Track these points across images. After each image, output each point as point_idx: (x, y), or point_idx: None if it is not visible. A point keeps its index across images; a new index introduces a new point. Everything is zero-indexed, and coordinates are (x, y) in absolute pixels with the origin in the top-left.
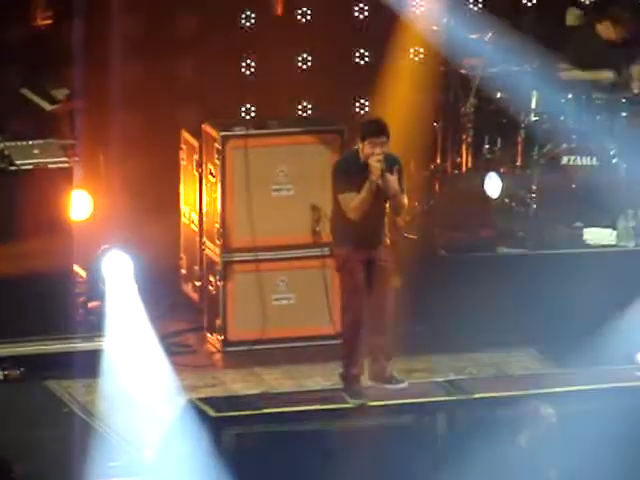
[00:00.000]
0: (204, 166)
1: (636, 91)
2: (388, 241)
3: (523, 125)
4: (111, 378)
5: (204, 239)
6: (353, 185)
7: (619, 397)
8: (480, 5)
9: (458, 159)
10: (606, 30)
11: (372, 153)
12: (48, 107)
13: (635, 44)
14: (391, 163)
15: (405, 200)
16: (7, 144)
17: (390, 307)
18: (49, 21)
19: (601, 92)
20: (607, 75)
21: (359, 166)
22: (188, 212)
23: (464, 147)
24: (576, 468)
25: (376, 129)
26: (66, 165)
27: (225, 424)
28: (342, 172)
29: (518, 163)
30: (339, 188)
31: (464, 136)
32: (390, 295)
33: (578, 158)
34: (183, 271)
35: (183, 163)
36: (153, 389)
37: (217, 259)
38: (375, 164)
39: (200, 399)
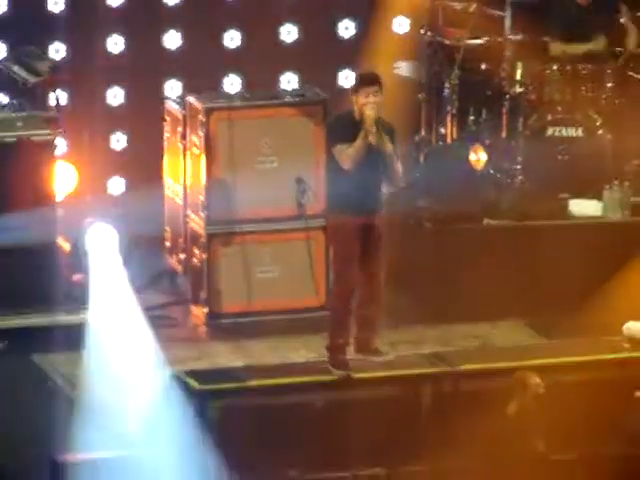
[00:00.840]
0: (188, 138)
1: (631, 46)
2: (383, 211)
3: (508, 96)
4: (95, 351)
5: (188, 211)
6: (348, 138)
7: (606, 369)
8: None
9: (442, 131)
10: None
11: (366, 102)
12: (32, 79)
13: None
14: (386, 129)
15: (400, 166)
16: None
17: (381, 278)
18: None
19: (586, 62)
20: (597, 46)
21: (354, 122)
22: (172, 184)
23: (449, 119)
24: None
25: (368, 78)
26: (50, 137)
27: (210, 397)
28: (337, 126)
29: (503, 134)
30: (334, 140)
31: (448, 107)
32: (382, 266)
33: (563, 129)
34: (167, 243)
35: (167, 135)
36: (137, 362)
37: (201, 231)
38: (369, 112)
39: (185, 372)
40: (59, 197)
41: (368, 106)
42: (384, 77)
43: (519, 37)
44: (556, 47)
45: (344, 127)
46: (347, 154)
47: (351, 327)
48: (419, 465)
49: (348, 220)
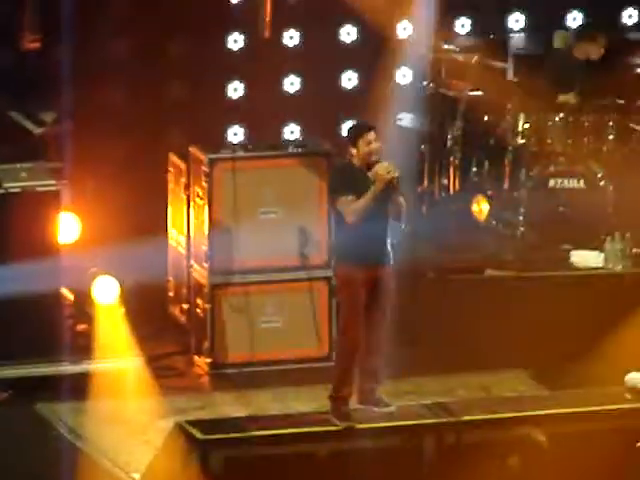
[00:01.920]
0: (191, 189)
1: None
2: (391, 264)
3: (510, 148)
4: (99, 401)
5: (191, 262)
6: (350, 189)
7: (608, 419)
8: (467, 28)
9: (445, 182)
10: (586, 49)
11: (369, 151)
12: (36, 130)
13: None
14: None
15: (403, 200)
16: None
17: (387, 329)
18: (37, 45)
19: (588, 115)
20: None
21: (354, 172)
22: (176, 234)
23: (451, 170)
24: None
25: (364, 126)
26: (54, 188)
27: (213, 447)
28: (338, 178)
29: (505, 186)
30: (337, 192)
31: (451, 159)
32: (387, 319)
33: (565, 181)
34: (171, 294)
35: (171, 186)
36: (141, 412)
37: (204, 282)
38: (380, 171)
39: (188, 422)
40: (63, 247)
41: (373, 154)
42: (386, 128)
43: (521, 89)
44: (557, 98)
45: (345, 178)
46: (353, 209)
47: (355, 377)
48: None
49: (356, 271)
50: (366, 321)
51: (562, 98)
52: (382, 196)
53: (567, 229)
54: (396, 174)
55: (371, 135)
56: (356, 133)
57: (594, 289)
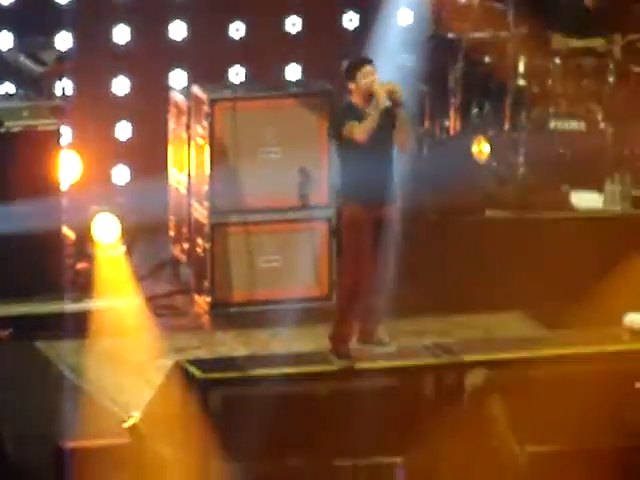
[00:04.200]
0: (192, 128)
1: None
2: (397, 202)
3: (511, 89)
4: (100, 339)
5: (192, 201)
6: (354, 120)
7: (607, 360)
8: None
9: (446, 123)
10: None
11: (368, 82)
12: (38, 69)
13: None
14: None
15: (406, 117)
16: None
17: (390, 270)
18: None
19: (588, 57)
20: (597, 42)
21: (356, 110)
22: (176, 174)
23: (452, 111)
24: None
25: (362, 60)
26: (55, 127)
27: (212, 386)
28: (342, 112)
29: (506, 127)
30: (342, 123)
31: (452, 100)
32: (391, 258)
33: (565, 122)
34: (171, 233)
35: (171, 125)
36: (141, 351)
37: (205, 221)
38: (378, 85)
39: (187, 361)
40: (64, 186)
41: (374, 82)
42: (387, 69)
43: (522, 30)
44: (557, 40)
45: (349, 113)
46: (361, 127)
47: (355, 317)
48: (420, 455)
49: (361, 211)
50: (369, 261)
51: (562, 41)
52: (385, 126)
53: (567, 170)
54: (397, 89)
55: (368, 68)
56: (353, 67)
57: (593, 230)
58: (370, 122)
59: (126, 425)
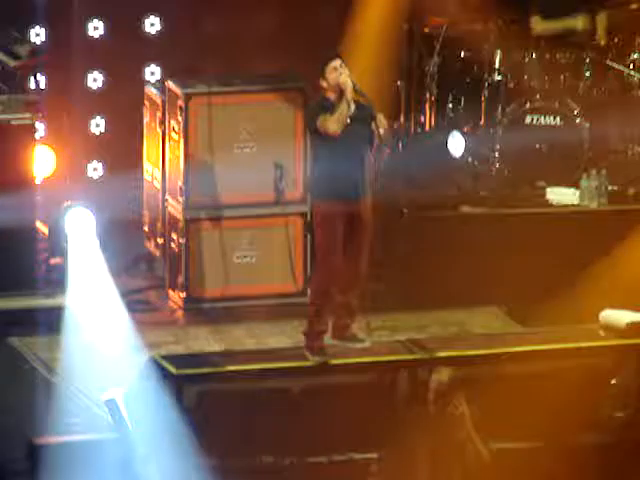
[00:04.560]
0: (167, 123)
1: (602, 42)
2: (369, 197)
3: (487, 84)
4: (73, 335)
5: (167, 196)
6: (327, 113)
7: (582, 356)
8: None
9: (422, 118)
10: None
11: (337, 76)
12: (11, 63)
13: None
14: (364, 109)
15: (382, 117)
16: None
17: (363, 265)
18: None
19: (565, 51)
20: (577, 23)
21: (329, 105)
22: (151, 169)
23: (427, 106)
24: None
25: (330, 56)
26: (29, 121)
27: (186, 381)
28: (315, 107)
29: (482, 122)
30: (315, 116)
31: (428, 95)
32: (365, 253)
33: (542, 118)
34: (145, 228)
35: (146, 120)
36: (115, 346)
37: (179, 216)
38: (344, 78)
39: (162, 356)
40: (38, 181)
41: (342, 75)
42: (364, 62)
43: (499, 23)
44: (537, 22)
45: (323, 106)
46: (332, 119)
47: (329, 313)
48: (394, 451)
49: (334, 206)
50: (343, 257)
51: (562, 23)
52: (358, 121)
53: (543, 166)
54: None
55: (337, 62)
56: (322, 62)
57: (569, 226)
58: (339, 114)
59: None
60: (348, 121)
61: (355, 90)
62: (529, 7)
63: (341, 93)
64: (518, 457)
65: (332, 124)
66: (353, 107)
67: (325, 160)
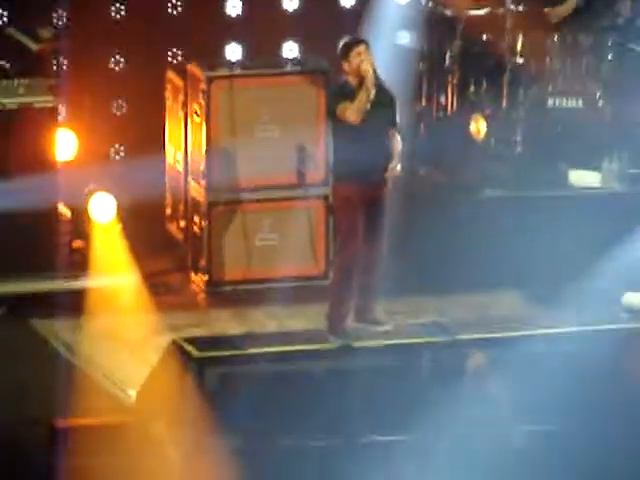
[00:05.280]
0: (189, 106)
1: (627, 14)
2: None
3: (509, 67)
4: (95, 318)
5: (189, 179)
6: (349, 99)
7: (603, 339)
8: None
9: (443, 101)
10: None
11: (360, 61)
12: (33, 46)
13: None
14: (386, 93)
15: (398, 138)
16: None
17: (383, 248)
18: None
19: (587, 35)
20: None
21: (351, 88)
22: (173, 152)
23: (449, 89)
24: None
25: (354, 40)
26: (51, 104)
27: (208, 364)
28: (336, 92)
29: (503, 105)
30: (336, 103)
31: (449, 78)
32: (384, 236)
33: (564, 100)
34: (168, 211)
35: (168, 103)
36: (137, 329)
37: (202, 199)
38: (366, 67)
39: (184, 339)
40: (60, 164)
41: (364, 62)
42: (385, 47)
43: (520, 8)
44: (552, 11)
45: (343, 91)
46: (352, 108)
47: (351, 296)
48: (416, 434)
49: (354, 190)
50: (364, 240)
51: (556, 11)
52: (379, 106)
53: (565, 148)
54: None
55: (361, 47)
56: (346, 46)
57: (591, 208)
58: (358, 103)
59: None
60: (368, 107)
61: (375, 79)
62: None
63: (361, 80)
64: (548, 439)
65: (351, 113)
66: (373, 92)
67: (345, 144)
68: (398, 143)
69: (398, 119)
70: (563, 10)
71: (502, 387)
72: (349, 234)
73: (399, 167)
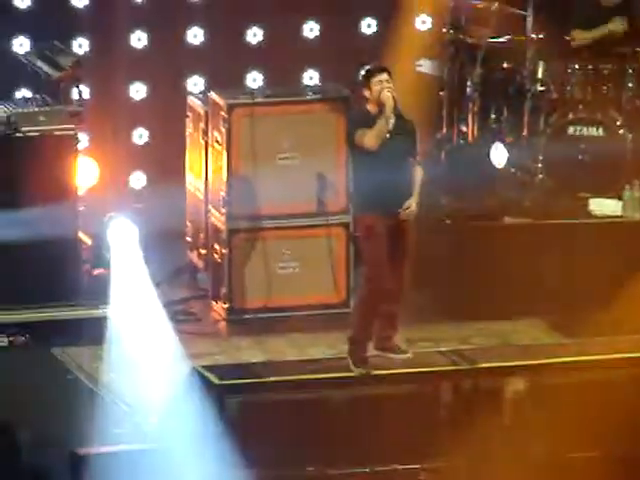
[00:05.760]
0: (210, 134)
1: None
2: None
3: (529, 95)
4: (116, 345)
5: (209, 207)
6: (367, 126)
7: (626, 367)
8: None
9: (464, 128)
10: None
11: (382, 88)
12: (55, 74)
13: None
14: (406, 124)
15: (419, 169)
16: (13, 111)
17: (406, 277)
18: None
19: (608, 63)
20: (614, 26)
21: (370, 116)
22: (193, 180)
23: (470, 116)
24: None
25: (377, 68)
26: (72, 132)
27: (229, 392)
28: (355, 119)
29: (524, 133)
30: (354, 129)
31: (470, 105)
32: (408, 265)
33: (584, 128)
34: (189, 239)
35: (189, 131)
36: (158, 356)
37: (222, 227)
38: (387, 94)
39: (204, 367)
40: (81, 192)
41: (385, 90)
42: (406, 74)
43: (541, 35)
44: (578, 35)
45: (362, 119)
46: (370, 134)
47: (374, 325)
48: (437, 462)
49: (378, 220)
50: (388, 269)
51: (582, 35)
52: (399, 134)
53: (586, 177)
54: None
55: (383, 76)
56: (368, 74)
57: (612, 237)
58: (377, 130)
59: None
60: (387, 136)
61: (395, 109)
62: (567, 21)
63: (382, 108)
64: (575, 466)
65: (369, 140)
66: (392, 121)
67: (365, 173)
68: (419, 173)
69: (418, 149)
70: (589, 36)
71: (522, 415)
72: (375, 264)
73: (414, 206)
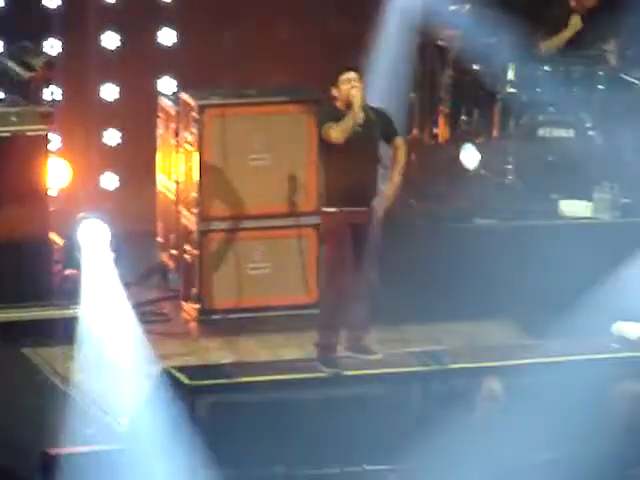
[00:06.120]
0: (181, 135)
1: (613, 63)
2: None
3: (500, 97)
4: (87, 346)
5: (180, 207)
6: (335, 120)
7: (593, 369)
8: None
9: (435, 130)
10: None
11: (351, 86)
12: (26, 74)
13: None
14: (377, 112)
15: (401, 142)
16: None
17: (373, 276)
18: None
19: (578, 65)
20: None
21: (339, 111)
22: (165, 180)
23: (441, 118)
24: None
25: (345, 68)
26: (44, 133)
27: (199, 393)
28: (323, 112)
29: (495, 134)
30: (322, 121)
31: (441, 107)
32: (375, 264)
33: (555, 130)
34: (160, 239)
35: (160, 132)
36: (128, 357)
37: (193, 228)
38: (355, 92)
39: (175, 367)
40: (52, 192)
41: (353, 88)
42: (378, 76)
43: (512, 37)
44: (548, 44)
45: (331, 115)
46: (337, 128)
47: (341, 325)
48: (407, 463)
49: (341, 217)
50: (351, 267)
51: (549, 43)
52: (366, 131)
53: (556, 178)
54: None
55: (351, 74)
56: (337, 73)
57: (582, 238)
58: (344, 123)
59: None
60: (359, 129)
61: (364, 106)
62: (538, 29)
63: (350, 105)
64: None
65: (335, 132)
66: (361, 116)
67: (331, 169)
68: (402, 149)
69: (397, 130)
70: (555, 42)
71: (493, 416)
72: (337, 263)
73: (392, 190)
